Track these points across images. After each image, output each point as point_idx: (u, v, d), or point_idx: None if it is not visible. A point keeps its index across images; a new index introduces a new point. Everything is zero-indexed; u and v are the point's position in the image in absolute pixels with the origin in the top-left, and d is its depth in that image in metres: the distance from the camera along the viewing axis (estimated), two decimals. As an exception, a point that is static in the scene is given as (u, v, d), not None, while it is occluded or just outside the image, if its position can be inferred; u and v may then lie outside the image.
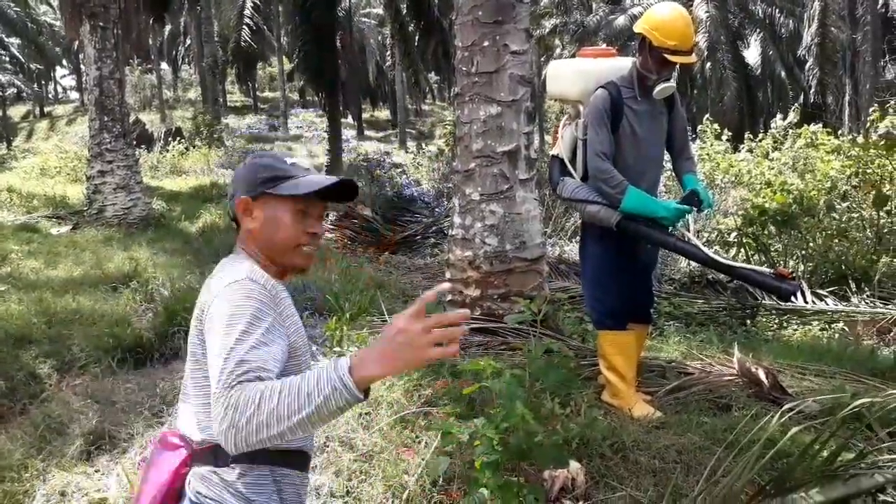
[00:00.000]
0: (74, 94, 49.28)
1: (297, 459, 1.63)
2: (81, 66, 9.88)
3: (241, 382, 1.31)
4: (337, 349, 4.51)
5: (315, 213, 1.64)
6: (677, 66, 3.40)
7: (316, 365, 1.44)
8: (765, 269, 3.46)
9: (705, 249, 3.44)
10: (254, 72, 37.32)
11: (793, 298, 3.37)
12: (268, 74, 45.50)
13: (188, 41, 38.26)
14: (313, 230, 1.63)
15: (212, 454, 1.52)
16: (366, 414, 3.35)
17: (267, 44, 35.28)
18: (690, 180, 3.57)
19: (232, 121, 32.69)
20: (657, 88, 3.38)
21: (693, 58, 3.40)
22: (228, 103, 40.47)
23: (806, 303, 6.13)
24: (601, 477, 2.89)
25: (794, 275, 3.25)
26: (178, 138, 20.95)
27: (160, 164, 18.34)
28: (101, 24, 9.79)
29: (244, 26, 19.37)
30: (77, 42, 9.99)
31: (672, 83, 3.42)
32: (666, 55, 3.30)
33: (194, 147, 20.39)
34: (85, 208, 10.57)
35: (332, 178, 1.63)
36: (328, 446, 3.18)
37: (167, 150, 19.35)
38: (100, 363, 4.69)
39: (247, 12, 18.89)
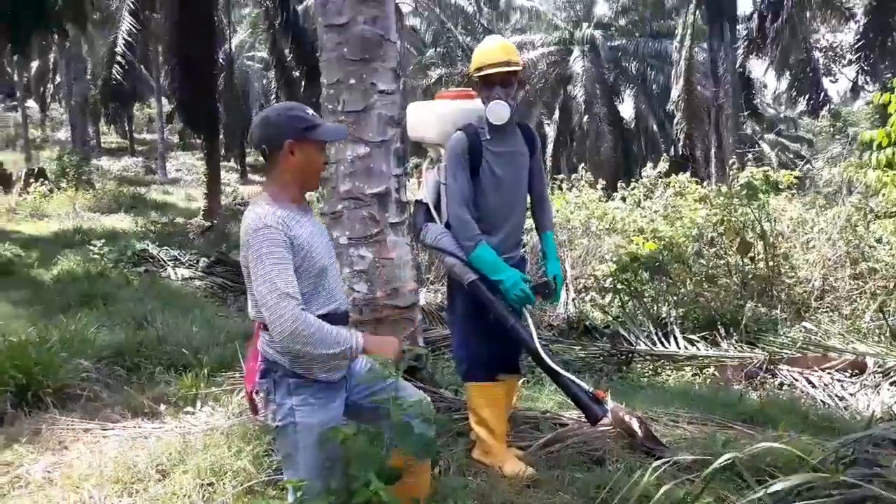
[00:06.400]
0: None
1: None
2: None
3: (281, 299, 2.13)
4: (189, 409, 4.10)
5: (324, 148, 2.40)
6: (514, 88, 3.31)
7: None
8: (584, 385, 3.26)
9: (538, 344, 3.26)
10: (129, 112, 35.71)
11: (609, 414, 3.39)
12: (146, 115, 43.76)
13: (58, 78, 36.34)
14: (325, 160, 2.44)
15: (264, 325, 2.28)
16: (208, 484, 2.98)
17: (145, 84, 33.90)
18: (551, 249, 3.54)
19: (105, 162, 30.98)
20: (487, 109, 3.25)
21: (510, 68, 3.25)
22: (103, 144, 38.50)
23: (679, 348, 6.22)
24: (468, 547, 2.66)
25: (607, 399, 3.23)
26: (41, 179, 19.51)
27: (19, 207, 17.04)
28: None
29: (115, 65, 18.40)
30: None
31: (503, 103, 3.24)
32: (480, 75, 3.27)
33: (60, 189, 19.07)
34: (-81, 255, 9.51)
35: (343, 128, 2.74)
36: (163, 525, 2.79)
37: (28, 192, 18.01)
38: None
39: (118, 50, 17.96)
